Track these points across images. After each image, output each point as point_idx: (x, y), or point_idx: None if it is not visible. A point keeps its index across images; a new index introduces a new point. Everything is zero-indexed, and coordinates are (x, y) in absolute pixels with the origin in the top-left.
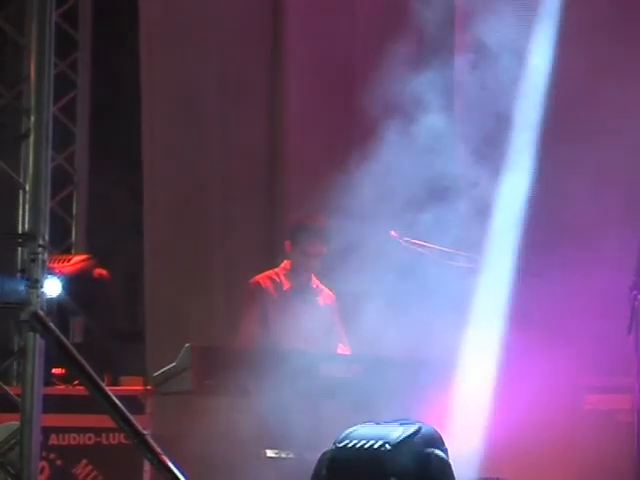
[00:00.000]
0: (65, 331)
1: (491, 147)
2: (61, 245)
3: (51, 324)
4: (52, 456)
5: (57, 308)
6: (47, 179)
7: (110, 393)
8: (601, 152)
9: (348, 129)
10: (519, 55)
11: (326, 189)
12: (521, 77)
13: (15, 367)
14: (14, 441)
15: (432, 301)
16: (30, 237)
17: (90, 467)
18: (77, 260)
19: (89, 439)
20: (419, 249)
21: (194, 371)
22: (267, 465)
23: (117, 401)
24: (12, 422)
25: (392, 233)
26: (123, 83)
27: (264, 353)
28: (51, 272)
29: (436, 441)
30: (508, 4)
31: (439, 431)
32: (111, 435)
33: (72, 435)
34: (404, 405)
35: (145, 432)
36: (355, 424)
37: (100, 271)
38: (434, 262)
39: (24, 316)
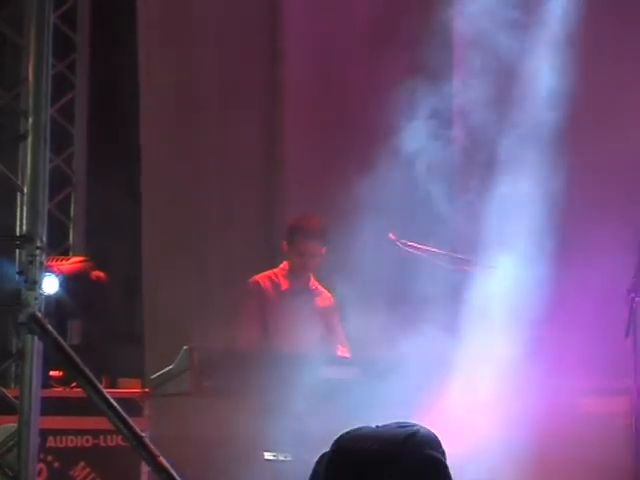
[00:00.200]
0: (63, 333)
1: (488, 148)
2: (59, 247)
3: (49, 326)
4: (50, 458)
5: (55, 310)
6: (45, 181)
7: (108, 395)
8: (601, 152)
9: (347, 131)
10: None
11: (324, 190)
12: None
13: (13, 369)
14: (12, 443)
15: (428, 303)
16: (28, 239)
17: (88, 469)
18: (75, 261)
19: (87, 441)
20: (417, 251)
21: (192, 373)
22: (265, 468)
23: (115, 403)
24: (10, 424)
25: (390, 235)
26: (121, 84)
27: (263, 355)
28: (49, 270)
29: (434, 443)
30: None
31: (436, 434)
32: (109, 437)
33: (70, 437)
34: (402, 408)
35: (143, 434)
36: (354, 426)
37: (98, 273)
38: (431, 264)
39: (22, 318)
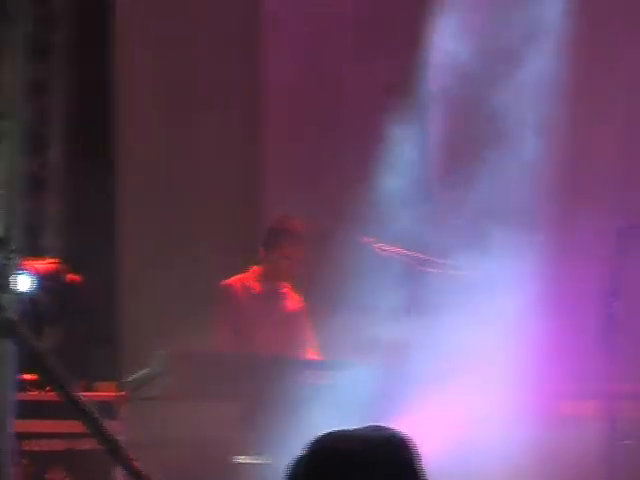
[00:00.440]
0: (39, 336)
1: (464, 152)
2: (35, 250)
3: (23, 329)
4: (25, 462)
5: (31, 312)
6: (20, 184)
7: (81, 399)
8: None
9: (328, 134)
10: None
11: (306, 194)
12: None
13: None
14: None
15: (400, 305)
16: (3, 242)
17: (63, 473)
18: (49, 262)
19: (62, 445)
20: (392, 255)
21: (168, 377)
22: (239, 471)
23: (88, 407)
24: None
25: (365, 239)
26: (98, 87)
27: (236, 358)
28: (23, 269)
29: (411, 446)
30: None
31: (411, 437)
32: (84, 441)
33: (45, 441)
34: (377, 411)
35: (117, 438)
36: (326, 429)
37: (72, 276)
38: (407, 267)
39: None
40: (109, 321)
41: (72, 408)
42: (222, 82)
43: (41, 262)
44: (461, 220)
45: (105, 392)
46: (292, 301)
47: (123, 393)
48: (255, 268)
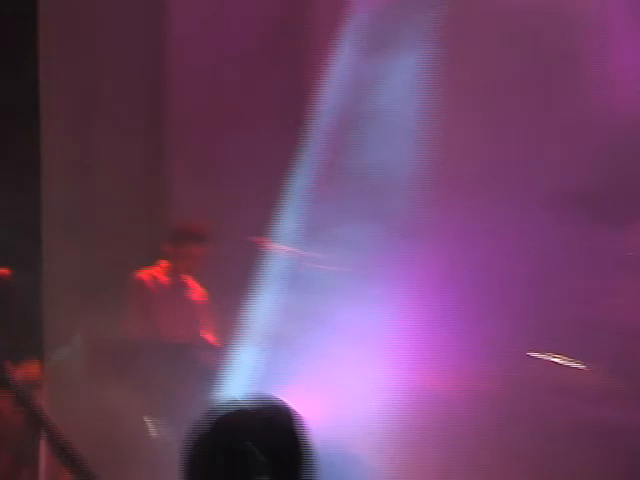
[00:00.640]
0: None
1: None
2: None
3: None
4: None
5: None
6: None
7: (11, 376)
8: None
9: (230, 141)
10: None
11: (208, 197)
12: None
13: None
14: None
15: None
16: None
17: None
18: None
19: None
20: (283, 253)
21: (86, 359)
22: (151, 446)
23: (18, 382)
24: None
25: (254, 239)
26: (21, 87)
27: (147, 344)
28: None
29: (292, 417)
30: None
31: (294, 408)
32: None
33: None
34: (266, 386)
35: (41, 410)
36: (223, 402)
37: (1, 271)
38: (298, 266)
39: None
40: (34, 310)
41: (4, 385)
42: (131, 92)
43: None
44: (341, 221)
45: (30, 370)
46: (195, 292)
47: (45, 372)
48: (163, 263)
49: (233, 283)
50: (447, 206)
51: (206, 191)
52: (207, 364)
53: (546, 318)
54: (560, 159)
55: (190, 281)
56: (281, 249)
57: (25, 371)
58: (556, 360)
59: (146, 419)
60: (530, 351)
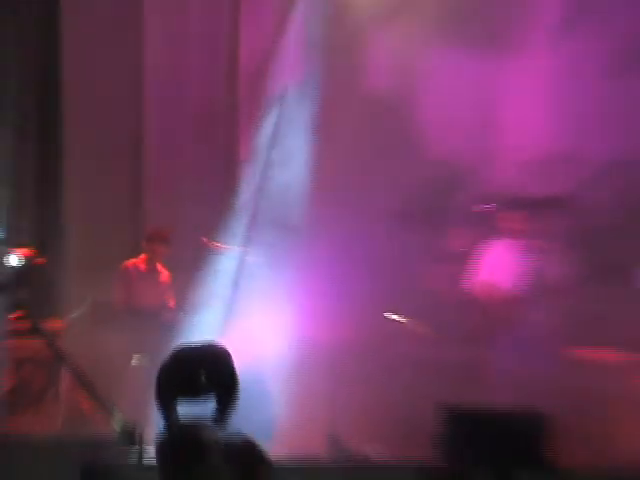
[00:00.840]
0: (19, 292)
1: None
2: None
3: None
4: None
5: (15, 279)
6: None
7: (44, 328)
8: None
9: (194, 161)
10: None
11: (173, 208)
12: None
13: None
14: None
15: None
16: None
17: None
18: (26, 249)
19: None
20: (222, 250)
21: (92, 317)
22: (136, 368)
23: (47, 332)
24: None
25: (204, 239)
26: (47, 88)
27: (129, 312)
28: (13, 252)
29: (228, 356)
30: None
31: (229, 349)
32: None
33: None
34: (210, 334)
35: (63, 351)
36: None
37: (39, 260)
38: (232, 256)
39: None
40: (57, 282)
41: (41, 335)
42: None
43: (22, 249)
44: (259, 226)
45: (54, 323)
46: (163, 275)
47: (65, 325)
48: (142, 255)
49: (188, 268)
50: (326, 214)
51: (169, 207)
52: (170, 322)
53: (394, 290)
54: (394, 189)
55: (160, 267)
56: (221, 245)
57: (51, 324)
58: (398, 318)
59: (134, 356)
60: (384, 312)
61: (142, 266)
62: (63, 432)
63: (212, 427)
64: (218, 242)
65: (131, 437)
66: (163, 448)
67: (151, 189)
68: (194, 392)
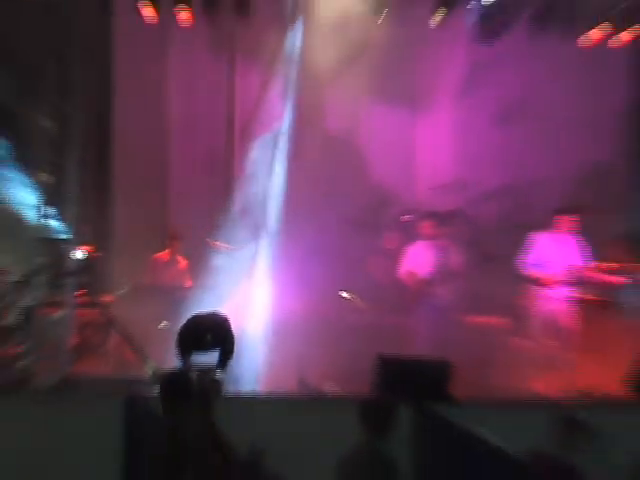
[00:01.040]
0: (75, 277)
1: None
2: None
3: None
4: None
5: (78, 268)
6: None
7: (99, 300)
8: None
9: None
10: None
11: (188, 212)
12: None
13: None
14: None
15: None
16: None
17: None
18: (86, 246)
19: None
20: (220, 248)
21: (133, 294)
22: (164, 330)
23: (101, 304)
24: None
25: (210, 240)
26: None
27: (160, 289)
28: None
29: (227, 322)
30: None
31: (228, 318)
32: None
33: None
34: (214, 307)
35: (113, 316)
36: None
37: (94, 254)
38: (225, 251)
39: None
40: (107, 267)
41: (97, 306)
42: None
43: (84, 247)
44: (242, 226)
45: (106, 298)
46: (182, 264)
47: (114, 299)
48: (166, 250)
49: (199, 259)
50: (297, 219)
51: (185, 217)
52: (187, 298)
53: (346, 275)
54: (346, 202)
55: (179, 258)
56: (220, 244)
57: (105, 299)
58: (348, 295)
59: (162, 323)
60: (339, 291)
61: (166, 257)
62: (113, 374)
63: (214, 370)
64: (217, 242)
65: (159, 377)
66: (165, 385)
67: (174, 205)
68: (203, 347)
